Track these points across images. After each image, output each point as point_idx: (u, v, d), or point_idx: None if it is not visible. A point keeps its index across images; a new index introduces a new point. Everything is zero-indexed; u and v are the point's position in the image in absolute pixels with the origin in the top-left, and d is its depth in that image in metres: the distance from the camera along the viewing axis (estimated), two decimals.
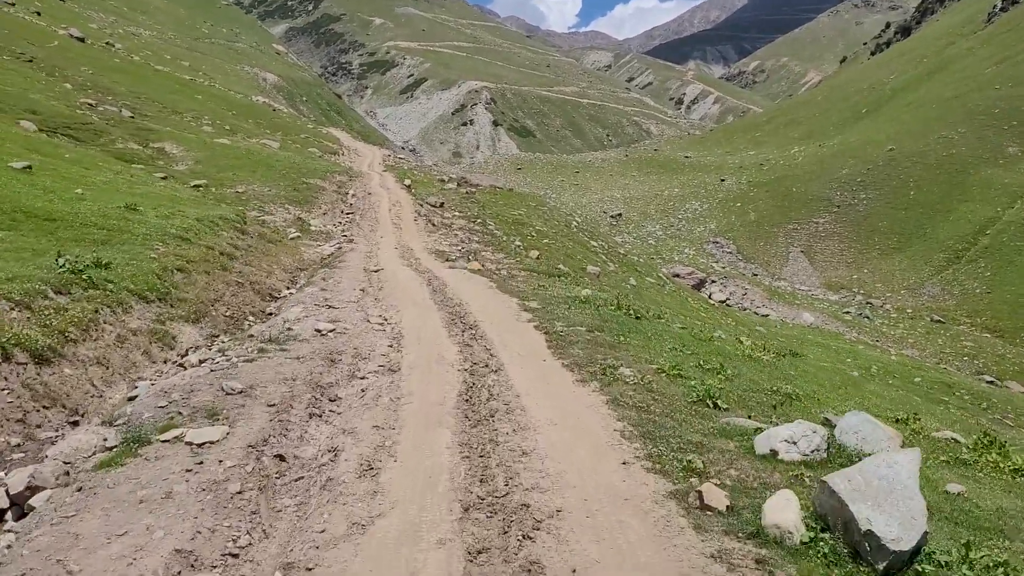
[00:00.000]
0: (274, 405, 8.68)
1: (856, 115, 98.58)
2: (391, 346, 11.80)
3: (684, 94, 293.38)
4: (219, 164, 23.89)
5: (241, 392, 9.03)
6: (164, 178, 19.68)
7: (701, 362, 12.08)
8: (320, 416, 8.63)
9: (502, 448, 7.91)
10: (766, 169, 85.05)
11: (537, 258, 20.91)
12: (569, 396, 9.74)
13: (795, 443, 8.11)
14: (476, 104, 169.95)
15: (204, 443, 7.49)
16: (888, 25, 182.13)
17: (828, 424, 9.65)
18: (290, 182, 23.97)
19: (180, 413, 8.35)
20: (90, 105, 27.38)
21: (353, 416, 8.73)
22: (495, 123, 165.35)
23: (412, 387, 9.78)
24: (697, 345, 13.53)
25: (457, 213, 26.08)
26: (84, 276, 10.95)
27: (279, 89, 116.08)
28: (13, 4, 57.93)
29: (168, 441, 7.55)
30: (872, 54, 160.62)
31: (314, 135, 48.69)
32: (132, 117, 29.58)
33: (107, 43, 59.93)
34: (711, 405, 9.70)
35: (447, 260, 19.61)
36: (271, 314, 13.74)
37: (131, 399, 9.46)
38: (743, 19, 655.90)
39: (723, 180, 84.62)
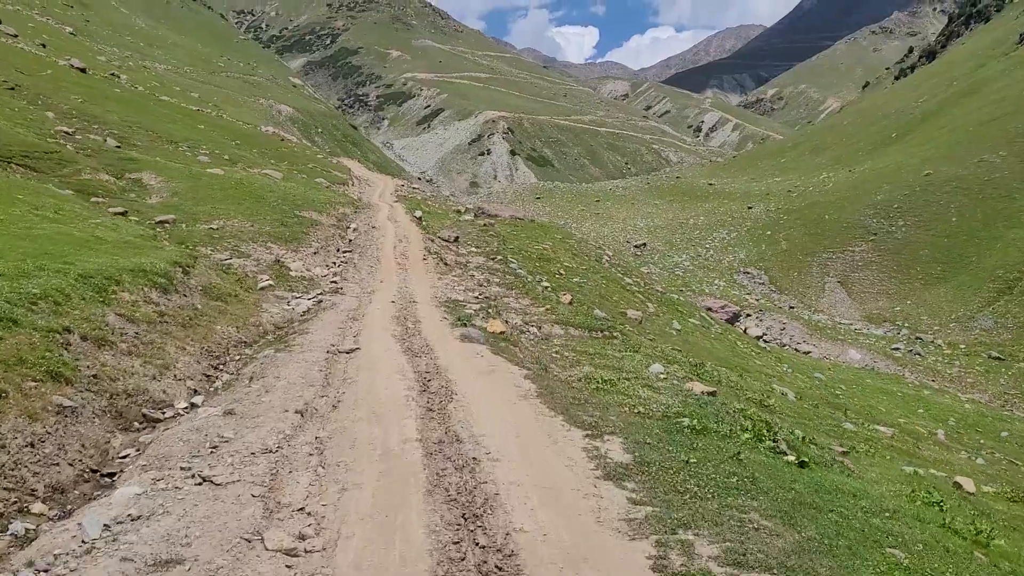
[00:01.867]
0: None
1: (886, 139, 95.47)
2: None
3: (703, 122, 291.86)
4: (200, 196, 21.16)
5: None
6: (122, 213, 16.93)
7: None
8: None
9: None
10: (795, 196, 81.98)
11: (570, 303, 17.79)
12: None
13: None
14: (493, 134, 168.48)
15: None
16: (911, 49, 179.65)
17: None
18: (279, 216, 21.05)
19: None
20: (66, 133, 24.91)
21: None
22: (512, 152, 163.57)
23: None
24: None
25: (474, 248, 22.98)
26: None
27: (294, 121, 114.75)
28: (16, 36, 56.27)
29: None
30: (896, 79, 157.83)
31: (323, 165, 46.18)
32: (119, 146, 27.11)
33: (112, 74, 58.06)
34: None
35: (459, 320, 15.02)
36: (105, 483, 7.53)
37: None
38: (759, 48, 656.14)
39: (750, 208, 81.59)
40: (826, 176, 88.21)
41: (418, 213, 30.13)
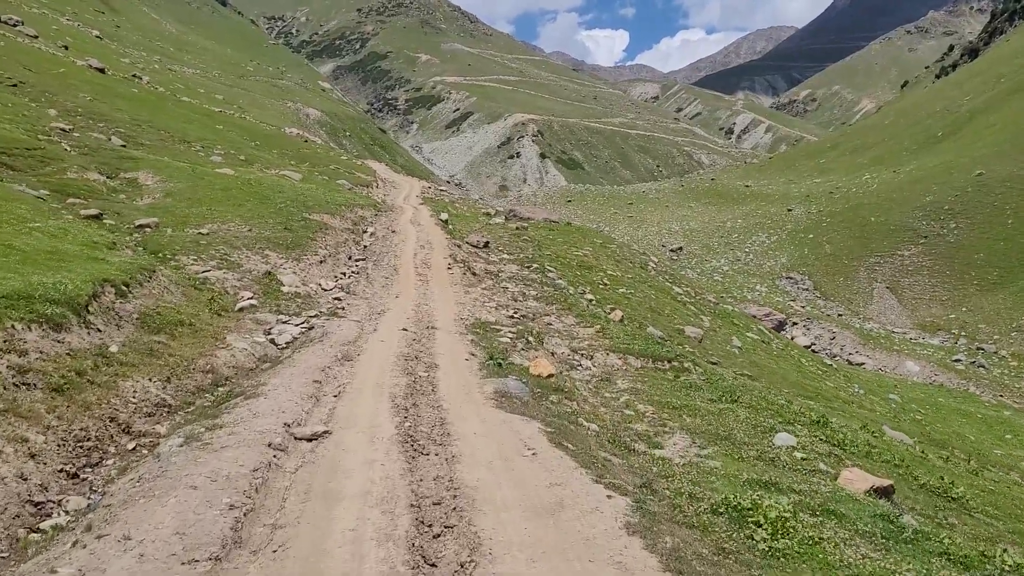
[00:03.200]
0: None
1: (931, 138, 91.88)
2: None
3: (734, 124, 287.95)
4: (197, 197, 19.06)
5: None
6: (96, 216, 14.86)
7: None
8: None
9: None
10: (837, 197, 78.84)
11: (621, 320, 15.29)
12: None
13: None
14: (523, 137, 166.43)
15: None
16: (951, 47, 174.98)
17: None
18: (284, 219, 18.74)
19: None
20: (63, 130, 23.06)
21: None
22: (542, 155, 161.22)
23: None
24: None
25: (506, 255, 20.47)
26: None
27: (322, 124, 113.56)
28: (36, 36, 55.07)
29: None
30: (937, 77, 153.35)
31: (346, 167, 44.18)
32: (124, 145, 25.26)
33: (133, 75, 56.67)
34: None
35: (491, 359, 11.24)
36: None
37: None
38: (791, 49, 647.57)
39: (790, 210, 78.62)
40: (869, 177, 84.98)
41: (444, 216, 27.76)
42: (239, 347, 10.69)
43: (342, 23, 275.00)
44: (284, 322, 12.67)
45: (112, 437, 7.60)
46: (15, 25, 55.54)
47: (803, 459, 8.67)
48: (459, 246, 21.18)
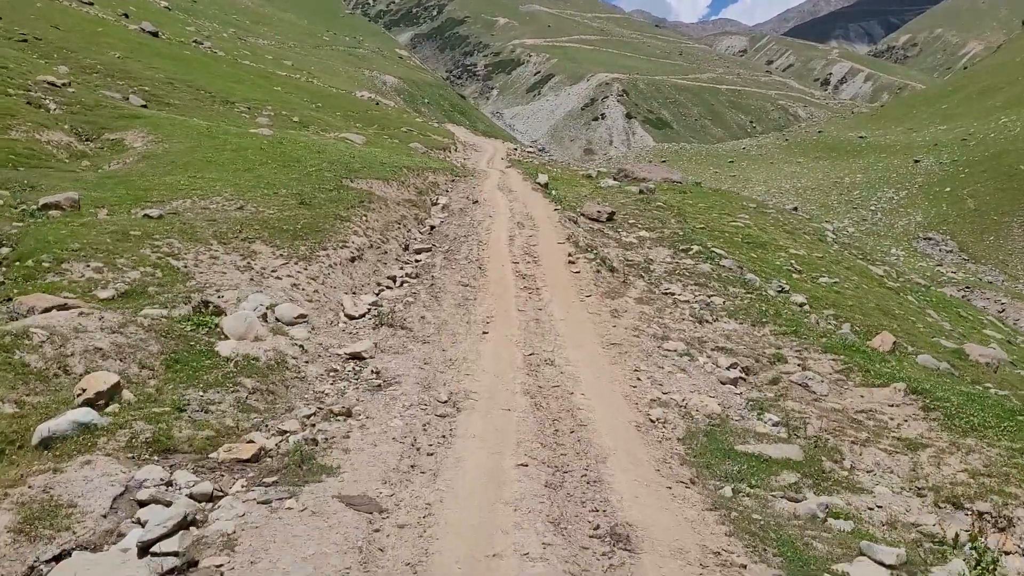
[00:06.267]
0: None
1: None
2: None
3: (830, 74, 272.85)
4: (185, 161, 13.68)
5: None
6: None
7: None
8: None
9: None
10: (973, 145, 69.64)
11: (893, 351, 8.96)
12: None
13: None
14: (607, 97, 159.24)
15: None
16: None
17: None
18: (310, 188, 12.42)
19: None
20: (52, 85, 18.38)
21: None
22: (628, 115, 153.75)
23: None
24: None
25: (644, 232, 14.02)
26: None
27: (399, 91, 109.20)
28: (90, 4, 51.40)
29: None
30: None
31: (421, 129, 38.85)
32: (145, 104, 20.59)
33: (194, 41, 52.67)
34: None
35: None
36: None
37: None
38: None
39: (917, 161, 69.96)
40: (1008, 121, 75.22)
41: (543, 179, 21.24)
42: None
43: None
44: (143, 504, 4.37)
45: None
46: None
47: None
48: (575, 221, 14.81)
